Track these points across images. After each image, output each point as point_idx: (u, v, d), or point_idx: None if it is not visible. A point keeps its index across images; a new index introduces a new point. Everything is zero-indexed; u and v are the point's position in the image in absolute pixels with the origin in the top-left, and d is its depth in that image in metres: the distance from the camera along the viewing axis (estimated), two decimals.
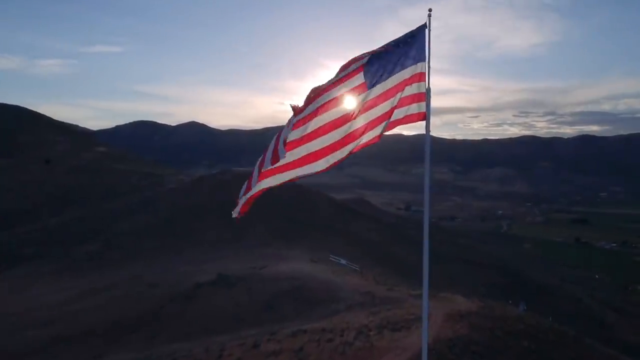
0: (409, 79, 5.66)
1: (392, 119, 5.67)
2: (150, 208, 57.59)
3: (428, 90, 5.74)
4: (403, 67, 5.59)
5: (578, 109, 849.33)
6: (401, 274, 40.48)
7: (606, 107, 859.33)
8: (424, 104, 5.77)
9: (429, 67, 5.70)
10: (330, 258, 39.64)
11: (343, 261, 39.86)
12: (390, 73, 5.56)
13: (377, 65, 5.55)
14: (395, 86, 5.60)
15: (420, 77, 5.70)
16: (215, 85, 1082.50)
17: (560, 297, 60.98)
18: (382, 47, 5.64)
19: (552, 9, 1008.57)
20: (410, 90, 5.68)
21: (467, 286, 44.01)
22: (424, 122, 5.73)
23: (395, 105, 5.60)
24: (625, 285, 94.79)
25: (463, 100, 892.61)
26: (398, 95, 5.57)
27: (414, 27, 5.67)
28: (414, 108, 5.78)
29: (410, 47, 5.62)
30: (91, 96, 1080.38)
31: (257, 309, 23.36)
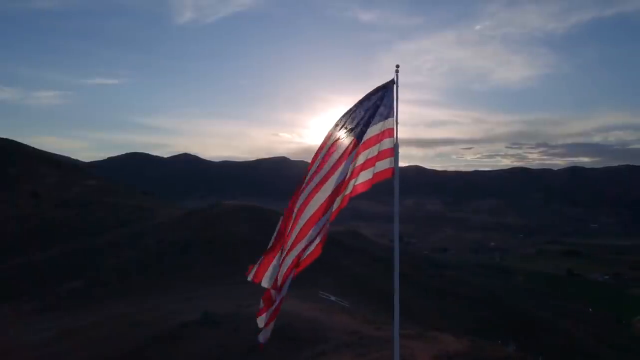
0: (378, 136, 5.65)
1: (358, 180, 5.62)
2: (138, 243, 56.82)
3: (396, 145, 5.73)
4: (372, 125, 5.57)
5: (569, 141, 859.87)
6: (391, 311, 39.83)
7: (597, 139, 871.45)
8: (392, 159, 5.75)
9: (397, 123, 5.71)
10: (320, 295, 39.04)
11: (333, 298, 39.26)
12: (360, 134, 5.50)
13: (349, 125, 5.53)
14: (364, 143, 5.56)
15: (389, 133, 5.70)
16: (211, 117, 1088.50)
17: (553, 332, 60.22)
18: (353, 106, 5.62)
19: (543, 43, 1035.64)
20: (378, 147, 5.67)
21: (457, 322, 43.40)
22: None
23: (363, 165, 5.56)
24: (619, 318, 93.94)
25: (456, 132, 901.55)
26: (363, 156, 5.54)
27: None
28: (383, 164, 5.75)
29: (378, 104, 5.61)
30: (87, 128, 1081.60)
31: (242, 350, 22.80)
